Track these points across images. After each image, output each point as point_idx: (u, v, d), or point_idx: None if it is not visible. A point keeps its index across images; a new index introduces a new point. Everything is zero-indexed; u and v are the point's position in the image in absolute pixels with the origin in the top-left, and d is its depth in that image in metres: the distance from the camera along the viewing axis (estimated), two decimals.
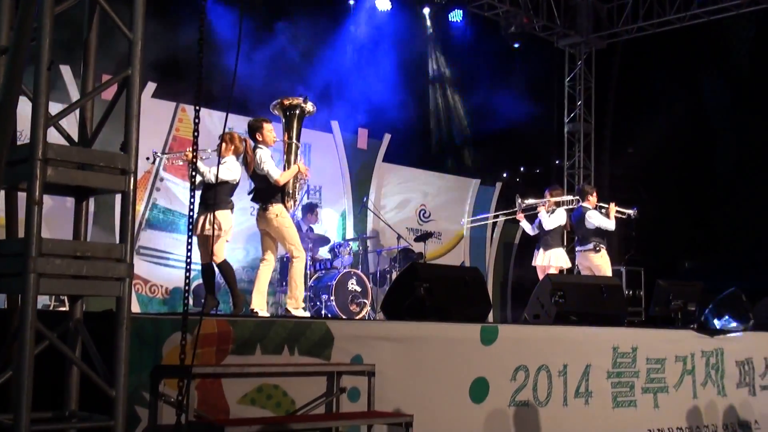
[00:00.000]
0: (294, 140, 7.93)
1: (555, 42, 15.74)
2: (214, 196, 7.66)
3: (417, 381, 5.73)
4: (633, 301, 13.41)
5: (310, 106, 8.02)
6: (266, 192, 7.78)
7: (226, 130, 7.83)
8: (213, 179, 7.60)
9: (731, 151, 14.28)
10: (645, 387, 7.34)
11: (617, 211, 10.61)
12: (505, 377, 6.26)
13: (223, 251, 7.86)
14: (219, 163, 7.85)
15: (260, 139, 7.87)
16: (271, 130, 7.94)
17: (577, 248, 10.65)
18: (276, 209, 7.70)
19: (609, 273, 10.33)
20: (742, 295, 9.33)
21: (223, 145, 7.85)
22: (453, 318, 6.32)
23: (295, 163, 7.90)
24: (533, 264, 10.54)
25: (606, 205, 10.65)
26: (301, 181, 7.95)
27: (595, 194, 10.72)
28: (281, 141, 7.99)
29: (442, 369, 5.88)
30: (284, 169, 7.91)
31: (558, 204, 10.48)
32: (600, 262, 10.42)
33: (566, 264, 10.52)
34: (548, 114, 15.91)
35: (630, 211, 10.77)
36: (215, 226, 7.70)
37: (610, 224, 10.45)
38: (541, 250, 10.38)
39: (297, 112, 7.95)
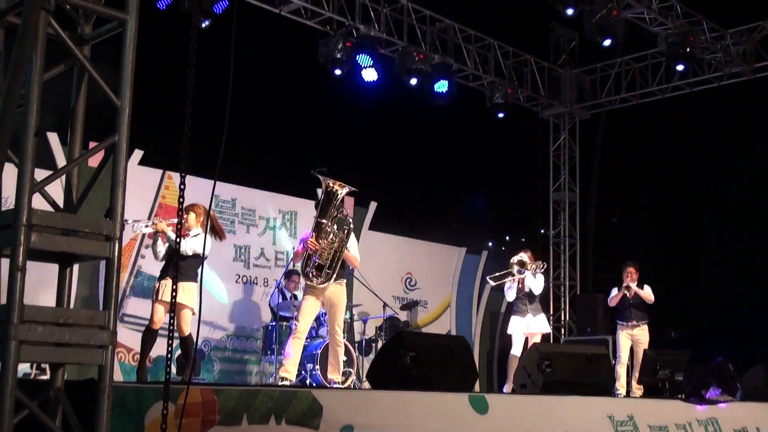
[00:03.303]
0: (322, 219, 8.08)
1: (539, 112, 15.90)
2: (187, 266, 7.79)
3: None
4: None
5: (338, 188, 8.14)
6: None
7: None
8: (188, 251, 7.79)
9: (716, 219, 14.36)
10: None
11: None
12: None
13: (190, 324, 7.93)
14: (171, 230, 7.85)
15: None
16: None
17: None
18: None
19: (620, 349, 10.42)
20: (729, 364, 9.29)
21: (194, 216, 8.02)
22: (439, 387, 6.25)
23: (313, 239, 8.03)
24: (528, 331, 10.09)
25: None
26: (312, 256, 7.98)
27: (628, 270, 10.63)
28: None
29: None
30: None
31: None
32: (616, 337, 10.63)
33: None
34: (533, 183, 16.01)
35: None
36: (189, 296, 7.77)
37: (613, 298, 10.63)
38: (530, 315, 10.08)
39: (327, 191, 8.16)
